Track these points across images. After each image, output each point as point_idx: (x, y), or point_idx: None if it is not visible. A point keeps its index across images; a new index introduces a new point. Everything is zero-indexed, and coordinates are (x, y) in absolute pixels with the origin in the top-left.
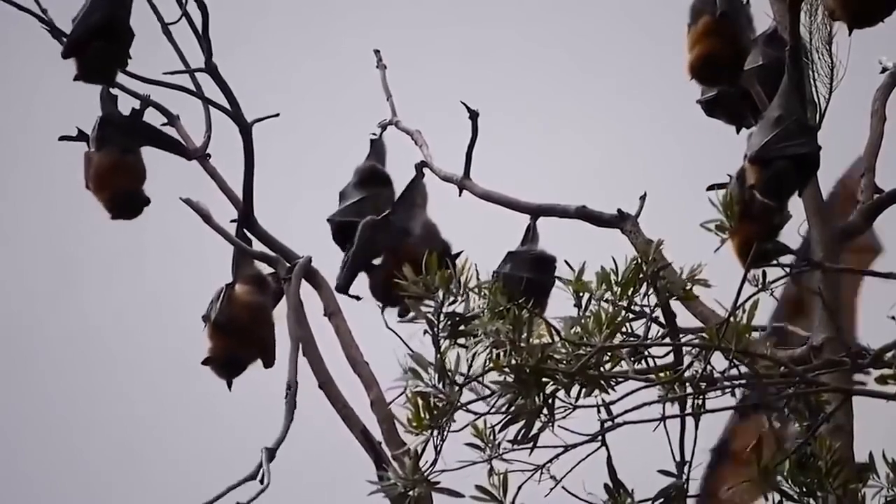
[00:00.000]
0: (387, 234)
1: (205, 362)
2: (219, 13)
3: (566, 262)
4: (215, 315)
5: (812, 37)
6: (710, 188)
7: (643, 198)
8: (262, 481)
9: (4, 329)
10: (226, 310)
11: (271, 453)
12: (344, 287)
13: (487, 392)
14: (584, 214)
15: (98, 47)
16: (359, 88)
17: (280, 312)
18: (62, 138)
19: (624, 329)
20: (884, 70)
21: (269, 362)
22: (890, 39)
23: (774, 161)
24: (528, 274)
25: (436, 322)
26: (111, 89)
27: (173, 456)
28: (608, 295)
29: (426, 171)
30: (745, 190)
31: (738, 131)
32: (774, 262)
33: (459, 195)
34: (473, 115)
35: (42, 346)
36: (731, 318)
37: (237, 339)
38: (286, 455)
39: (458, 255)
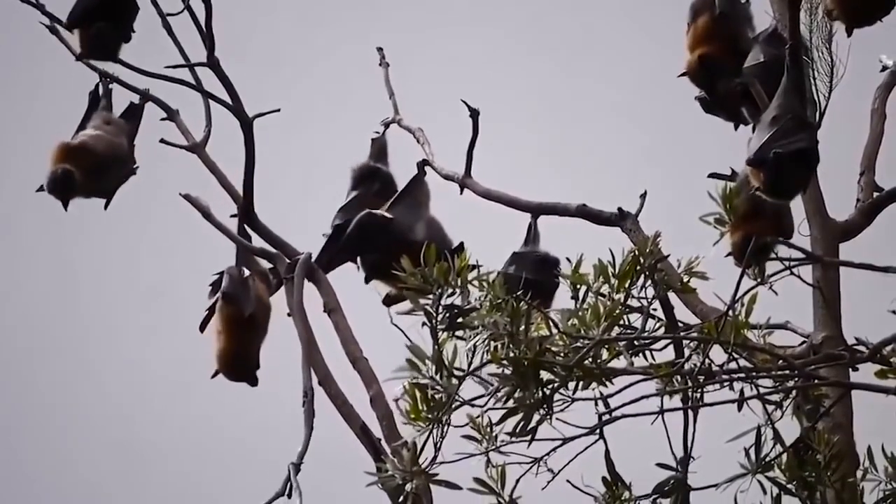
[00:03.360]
0: (386, 232)
1: (228, 362)
2: (221, 9)
3: (568, 259)
4: (249, 307)
5: (812, 35)
6: (712, 176)
7: (643, 196)
8: (289, 496)
9: (4, 328)
10: (253, 303)
11: (297, 468)
12: (324, 268)
13: (485, 385)
14: (585, 213)
15: (100, 25)
16: (361, 84)
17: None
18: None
19: (622, 322)
20: (884, 68)
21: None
22: (890, 38)
23: (773, 160)
24: (532, 275)
25: (434, 314)
26: (109, 85)
27: (174, 456)
28: (606, 288)
29: (428, 169)
30: (749, 192)
31: (735, 128)
32: (773, 256)
33: (460, 193)
34: (474, 114)
35: (40, 345)
36: (730, 312)
37: (251, 337)
38: (287, 452)
39: (461, 245)
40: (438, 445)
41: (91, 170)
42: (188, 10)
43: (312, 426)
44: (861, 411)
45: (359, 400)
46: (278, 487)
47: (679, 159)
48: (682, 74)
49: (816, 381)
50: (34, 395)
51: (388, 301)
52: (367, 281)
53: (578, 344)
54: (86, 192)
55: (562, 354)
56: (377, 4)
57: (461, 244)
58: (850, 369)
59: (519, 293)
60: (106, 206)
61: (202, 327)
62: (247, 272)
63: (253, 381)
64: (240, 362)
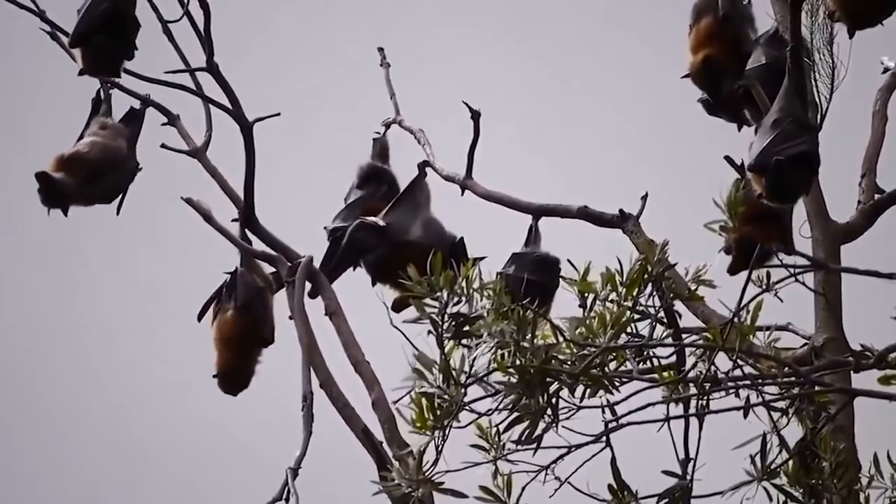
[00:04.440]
0: (381, 237)
1: (226, 375)
2: (220, 13)
3: (569, 261)
4: (268, 331)
5: (813, 37)
6: (726, 159)
7: (644, 198)
8: (287, 501)
9: (4, 328)
10: (271, 324)
11: (295, 472)
12: (328, 277)
13: (492, 392)
14: (586, 215)
15: (102, 41)
16: (361, 88)
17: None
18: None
19: (628, 329)
20: (885, 70)
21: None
22: (891, 40)
23: (774, 166)
24: (532, 275)
25: (440, 322)
26: (109, 91)
27: (174, 456)
28: (613, 295)
29: (428, 170)
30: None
31: (739, 129)
32: (779, 262)
33: (462, 195)
34: (476, 115)
35: (40, 345)
36: (735, 319)
37: (256, 352)
38: (286, 455)
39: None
40: (440, 450)
41: (86, 178)
42: (187, 16)
43: (311, 430)
44: (862, 415)
45: (360, 403)
46: (277, 490)
47: (679, 160)
48: (686, 76)
49: (822, 388)
50: (34, 395)
51: (397, 306)
52: (373, 284)
53: (585, 351)
54: (85, 201)
55: (568, 362)
56: (377, 7)
57: (461, 239)
58: (852, 371)
59: (526, 301)
60: (118, 211)
61: (200, 316)
62: (260, 282)
63: (235, 394)
64: (238, 378)
